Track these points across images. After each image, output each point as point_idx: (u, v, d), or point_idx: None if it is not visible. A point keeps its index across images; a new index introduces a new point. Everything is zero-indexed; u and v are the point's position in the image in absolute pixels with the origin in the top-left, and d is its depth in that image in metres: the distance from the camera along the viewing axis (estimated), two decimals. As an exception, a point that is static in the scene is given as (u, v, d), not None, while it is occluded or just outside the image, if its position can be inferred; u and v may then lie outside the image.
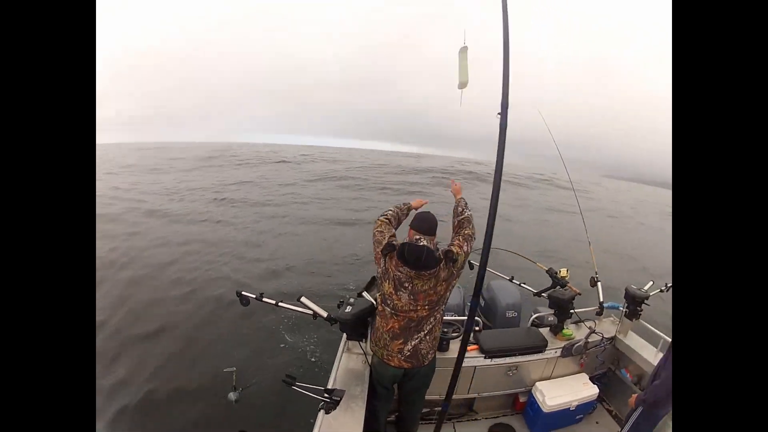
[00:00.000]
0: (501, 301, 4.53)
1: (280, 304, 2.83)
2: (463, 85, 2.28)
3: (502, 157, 2.13)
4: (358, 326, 2.90)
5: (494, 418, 4.12)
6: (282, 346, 6.06)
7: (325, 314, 2.83)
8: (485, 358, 3.69)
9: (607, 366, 4.11)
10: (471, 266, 2.89)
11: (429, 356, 2.61)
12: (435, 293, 2.42)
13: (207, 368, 5.30)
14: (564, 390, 3.83)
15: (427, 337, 2.54)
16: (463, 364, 2.52)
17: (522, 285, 4.20)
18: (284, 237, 12.60)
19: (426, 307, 2.45)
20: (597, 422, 4.06)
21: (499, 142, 2.12)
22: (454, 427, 3.85)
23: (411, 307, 2.44)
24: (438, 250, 2.41)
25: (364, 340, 3.01)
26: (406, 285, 2.40)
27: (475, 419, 3.99)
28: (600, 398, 4.27)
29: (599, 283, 3.87)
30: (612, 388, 4.17)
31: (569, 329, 3.92)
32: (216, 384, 4.80)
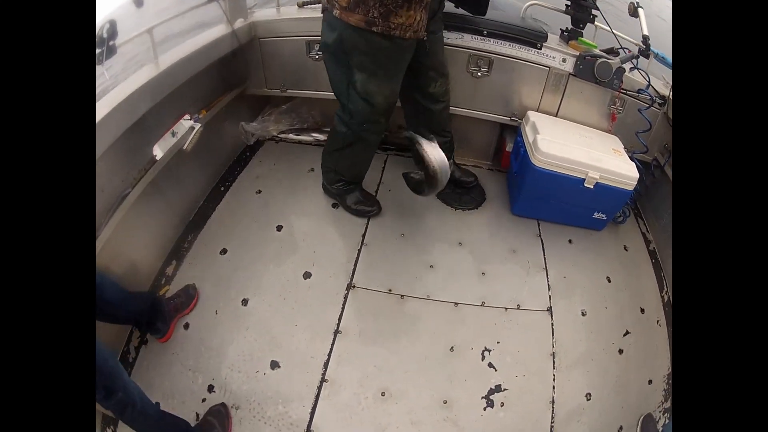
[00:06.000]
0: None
1: None
2: None
3: None
4: None
5: (458, 165, 2.34)
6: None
7: None
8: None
9: (653, 154, 2.29)
10: None
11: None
12: None
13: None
14: (576, 139, 2.04)
15: None
16: None
17: None
18: None
19: None
20: (626, 247, 2.17)
21: None
22: (385, 162, 2.39)
23: None
24: None
25: None
26: None
27: None
28: (636, 208, 2.39)
29: (641, 10, 2.17)
30: (654, 197, 2.31)
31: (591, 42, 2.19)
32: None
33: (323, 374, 1.51)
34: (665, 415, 1.68)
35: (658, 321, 1.92)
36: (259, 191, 2.09)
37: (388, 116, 1.76)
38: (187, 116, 1.86)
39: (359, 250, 1.87)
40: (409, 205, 2.09)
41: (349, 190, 1.99)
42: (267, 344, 1.57)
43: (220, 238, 1.89)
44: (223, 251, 1.84)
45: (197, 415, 1.42)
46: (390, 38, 1.49)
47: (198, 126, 1.85)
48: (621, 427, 1.58)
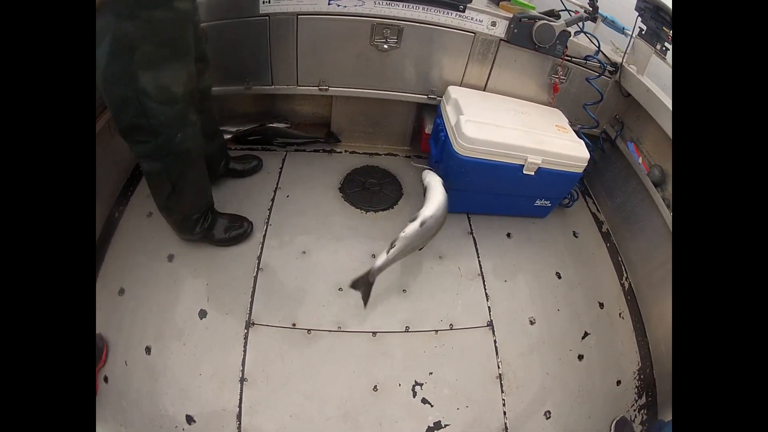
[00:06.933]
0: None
1: None
2: None
3: None
4: None
5: (370, 155, 2.10)
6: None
7: None
8: None
9: (603, 127, 2.03)
10: None
11: None
12: None
13: None
14: (511, 118, 1.76)
15: None
16: None
17: None
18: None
19: None
20: (575, 233, 1.93)
21: None
22: (283, 161, 2.08)
23: None
24: None
25: None
26: None
27: (333, 151, 2.18)
28: (584, 186, 2.15)
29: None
30: (605, 173, 2.07)
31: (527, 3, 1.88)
32: None
33: (239, 427, 1.35)
34: (641, 412, 1.53)
35: (620, 314, 1.73)
36: (150, 213, 1.80)
37: (196, 110, 1.43)
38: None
39: (255, 277, 1.60)
40: (310, 214, 1.82)
41: (211, 224, 1.67)
42: (177, 397, 1.40)
43: (116, 276, 1.65)
44: (121, 291, 1.59)
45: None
46: (170, 6, 1.24)
47: None
48: (592, 438, 1.44)
